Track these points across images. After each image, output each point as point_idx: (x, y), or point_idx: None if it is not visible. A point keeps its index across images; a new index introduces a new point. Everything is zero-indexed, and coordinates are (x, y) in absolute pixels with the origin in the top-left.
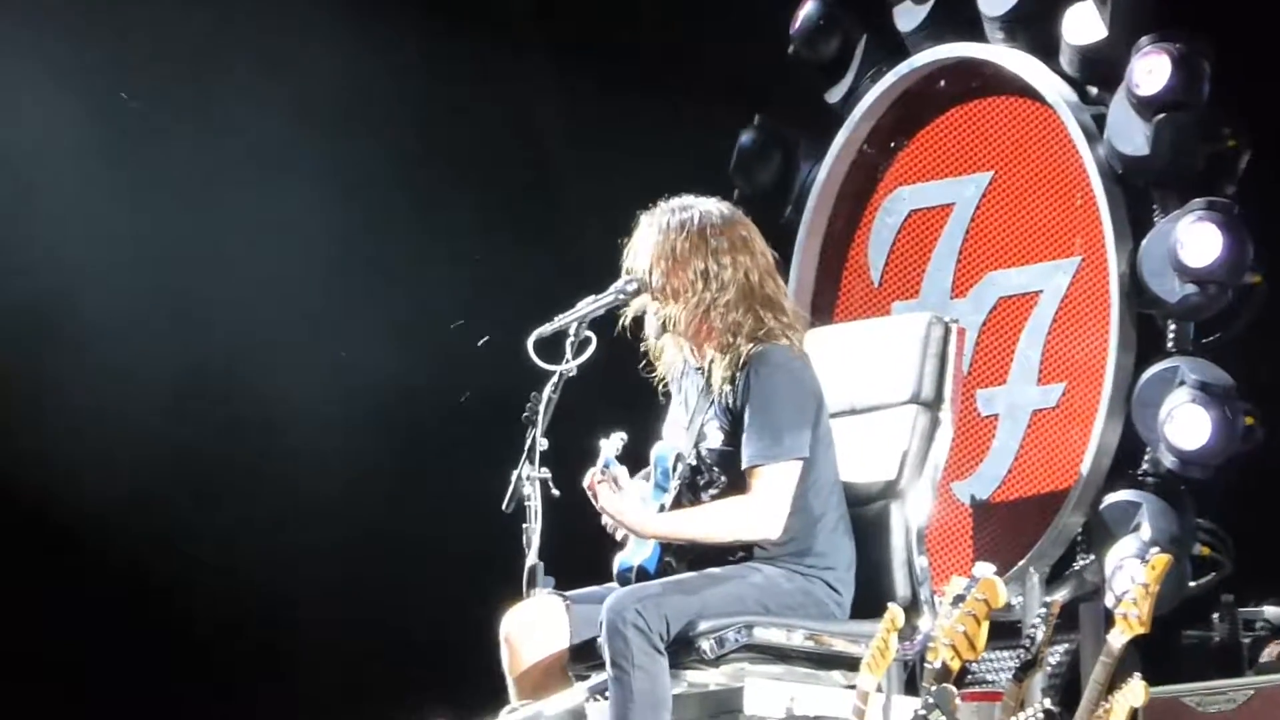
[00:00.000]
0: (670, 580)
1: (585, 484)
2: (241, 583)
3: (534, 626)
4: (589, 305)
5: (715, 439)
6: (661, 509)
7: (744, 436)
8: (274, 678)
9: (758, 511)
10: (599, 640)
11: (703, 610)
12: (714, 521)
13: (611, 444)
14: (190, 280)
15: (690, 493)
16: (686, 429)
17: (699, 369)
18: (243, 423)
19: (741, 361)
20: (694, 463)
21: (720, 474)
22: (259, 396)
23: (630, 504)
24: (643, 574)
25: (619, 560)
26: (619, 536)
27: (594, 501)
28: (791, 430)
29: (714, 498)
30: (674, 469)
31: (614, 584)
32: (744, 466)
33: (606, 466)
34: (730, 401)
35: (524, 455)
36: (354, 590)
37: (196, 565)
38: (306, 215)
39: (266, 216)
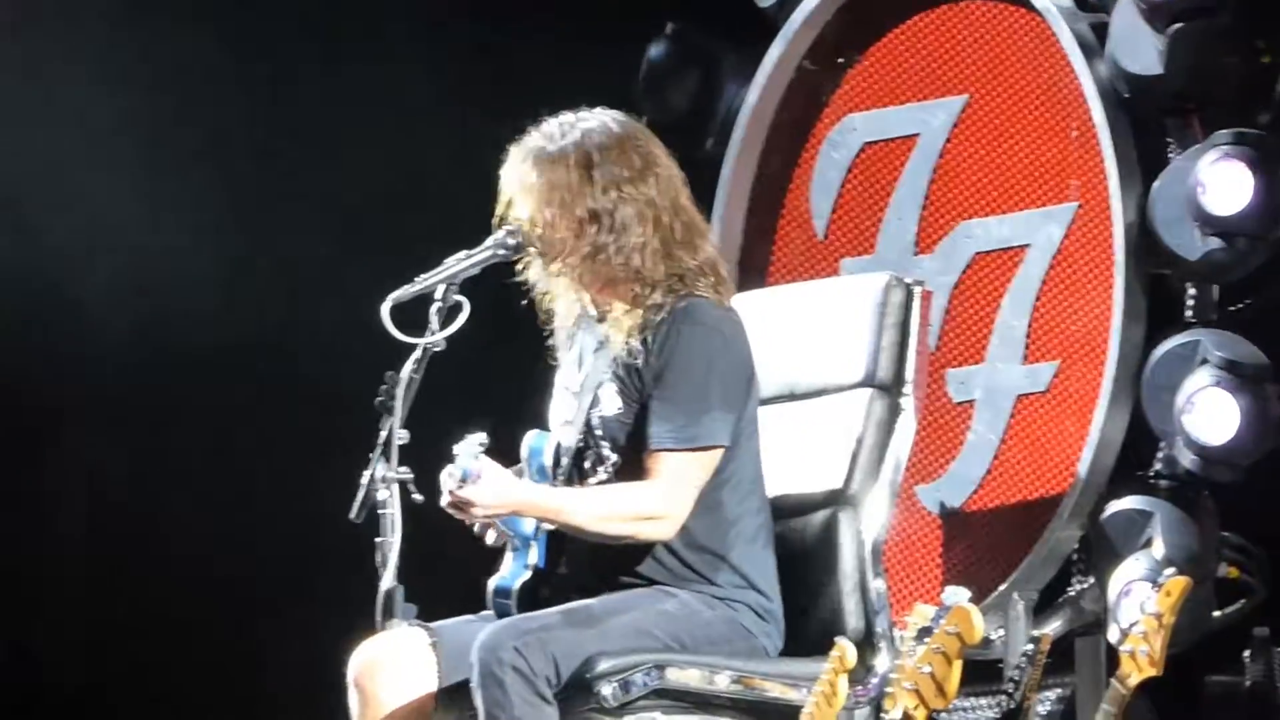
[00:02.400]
0: (559, 610)
1: (443, 503)
2: None
3: (390, 666)
4: (459, 263)
5: (612, 405)
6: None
7: (652, 408)
8: None
9: (657, 502)
10: (471, 685)
11: (602, 646)
12: (607, 505)
13: (468, 447)
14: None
15: (573, 484)
16: (577, 394)
17: (599, 319)
18: None
19: (660, 316)
20: (580, 437)
21: (611, 450)
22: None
23: (496, 487)
24: (526, 597)
25: (494, 582)
26: (490, 540)
27: (457, 514)
28: (714, 411)
29: (601, 484)
30: (553, 463)
31: (490, 613)
32: (650, 448)
33: (464, 479)
34: (638, 361)
35: (378, 451)
36: (139, 627)
37: None
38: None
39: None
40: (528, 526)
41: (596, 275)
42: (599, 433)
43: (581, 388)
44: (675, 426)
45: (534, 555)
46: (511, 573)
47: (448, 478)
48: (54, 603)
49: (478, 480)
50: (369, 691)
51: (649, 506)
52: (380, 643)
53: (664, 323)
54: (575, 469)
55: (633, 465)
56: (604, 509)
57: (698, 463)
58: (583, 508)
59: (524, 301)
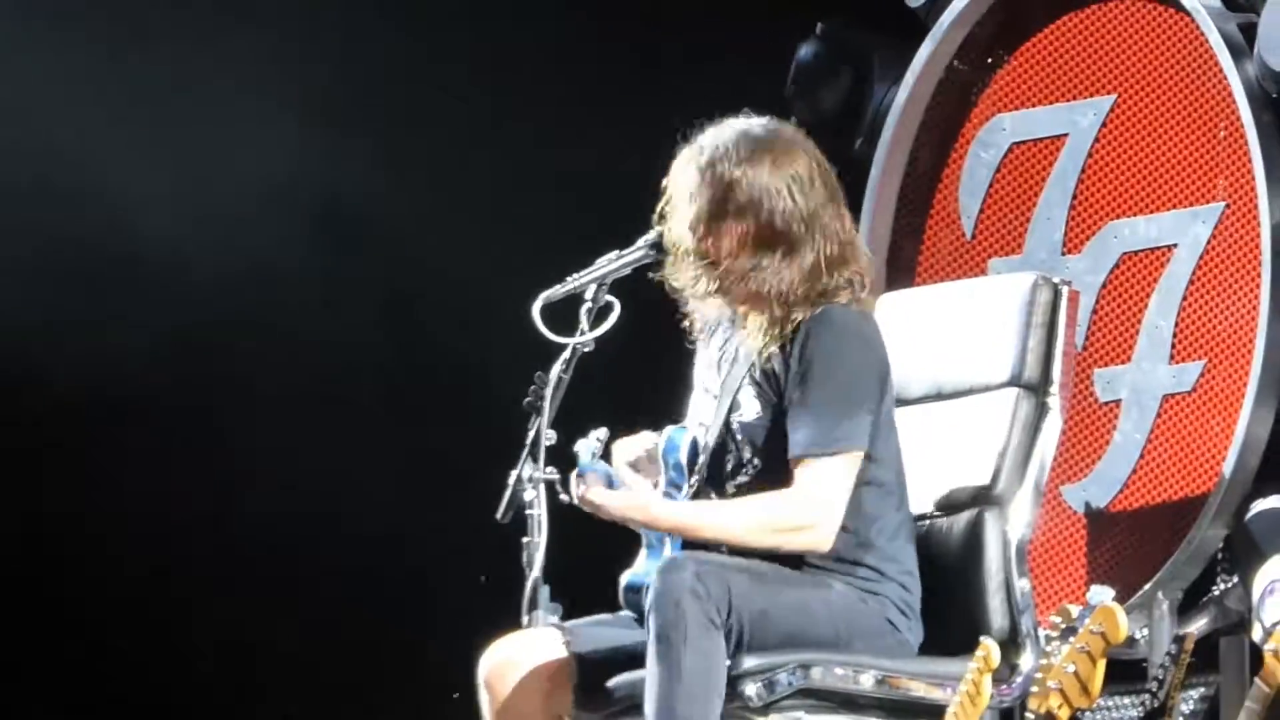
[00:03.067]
0: (738, 558)
1: (575, 497)
2: None
3: (523, 666)
4: (611, 263)
5: (751, 410)
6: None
7: (792, 416)
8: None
9: (810, 513)
10: (645, 608)
11: (770, 606)
12: (748, 517)
13: (587, 445)
14: None
15: (712, 485)
16: (717, 396)
17: (743, 327)
18: None
19: (794, 326)
20: (719, 438)
21: (752, 455)
22: None
23: (625, 493)
24: None
25: (626, 577)
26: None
27: (590, 510)
28: (853, 414)
29: (741, 487)
30: (689, 460)
31: (626, 613)
32: (792, 454)
33: (581, 475)
34: (776, 367)
35: (525, 451)
36: (284, 620)
37: None
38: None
39: None
40: None
41: (745, 289)
42: (739, 437)
43: (721, 390)
44: (819, 433)
45: (668, 550)
46: (645, 569)
47: (575, 479)
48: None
49: (589, 478)
50: (499, 691)
51: (798, 516)
52: (513, 643)
53: (799, 328)
54: (714, 470)
55: (774, 471)
56: (750, 521)
57: (843, 467)
58: (724, 521)
59: (676, 312)
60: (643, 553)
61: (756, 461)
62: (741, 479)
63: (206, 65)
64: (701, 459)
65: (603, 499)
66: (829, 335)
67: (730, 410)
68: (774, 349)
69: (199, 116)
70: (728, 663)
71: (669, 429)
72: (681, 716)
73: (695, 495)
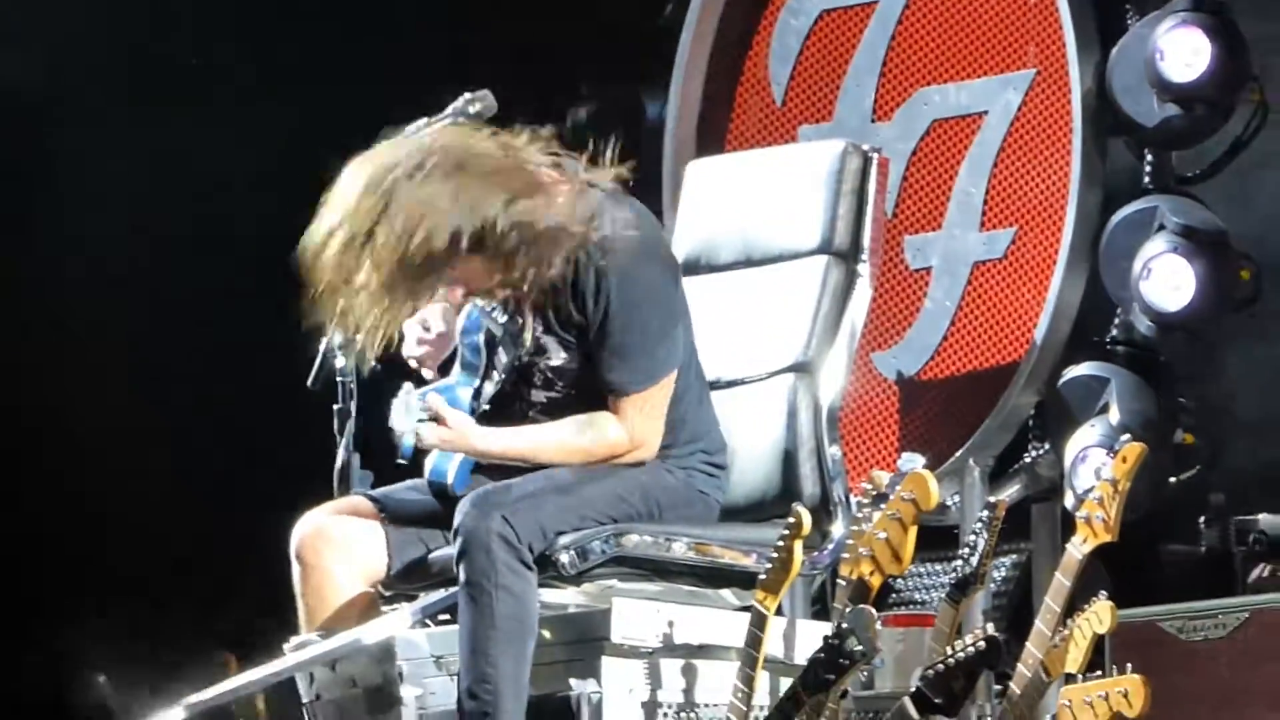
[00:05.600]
0: (542, 476)
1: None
2: None
3: (333, 536)
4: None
5: (559, 356)
6: (477, 395)
7: (604, 358)
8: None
9: (637, 437)
10: (436, 559)
11: (584, 509)
12: (580, 444)
13: (401, 404)
14: None
15: (523, 386)
16: (491, 348)
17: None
18: None
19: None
20: (507, 384)
21: (568, 388)
22: None
23: (463, 425)
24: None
25: (431, 464)
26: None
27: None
28: (664, 339)
29: (557, 403)
30: (486, 345)
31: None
32: (613, 394)
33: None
34: (571, 312)
35: (335, 319)
36: (96, 492)
37: None
38: None
39: None
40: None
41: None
42: (550, 376)
43: (504, 337)
44: (637, 371)
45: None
46: (437, 460)
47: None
48: None
49: (437, 405)
50: (311, 562)
51: (627, 443)
52: (323, 514)
53: (579, 266)
54: (522, 381)
55: (588, 398)
56: (577, 451)
57: (663, 391)
58: (554, 449)
59: None
60: None
61: (572, 393)
62: (554, 394)
63: None
64: (507, 353)
65: (443, 436)
66: (619, 273)
67: (534, 353)
68: (565, 301)
69: None
70: (539, 601)
71: (467, 306)
72: (495, 657)
73: (503, 395)
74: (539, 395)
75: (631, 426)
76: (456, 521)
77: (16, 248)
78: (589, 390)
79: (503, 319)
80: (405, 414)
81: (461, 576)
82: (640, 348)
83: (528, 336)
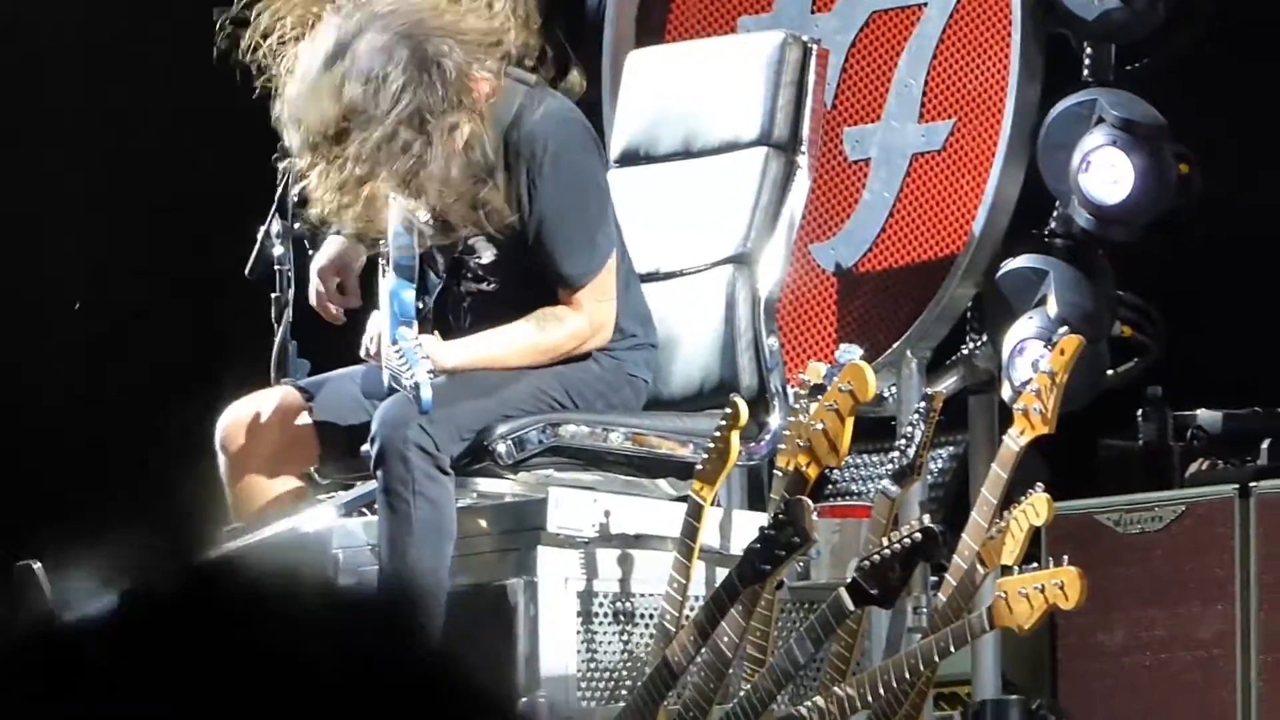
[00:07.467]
0: (458, 381)
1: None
2: None
3: (256, 427)
4: None
5: (488, 254)
6: (420, 295)
7: (549, 252)
8: None
9: (594, 323)
10: (366, 453)
11: (504, 412)
12: (548, 340)
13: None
14: None
15: (452, 282)
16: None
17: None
18: None
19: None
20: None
21: (498, 283)
22: None
23: (432, 347)
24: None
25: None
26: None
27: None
28: (603, 223)
29: (487, 296)
30: (419, 291)
31: (361, 368)
32: (570, 285)
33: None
34: (505, 212)
35: (274, 206)
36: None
37: None
38: None
39: None
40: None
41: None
42: (481, 274)
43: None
44: (583, 261)
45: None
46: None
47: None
48: None
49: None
50: (236, 452)
51: (586, 330)
52: (250, 403)
53: (516, 169)
54: (454, 303)
55: (532, 293)
56: (546, 349)
57: (608, 273)
58: (521, 350)
59: None
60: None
61: (509, 291)
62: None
63: None
64: (439, 261)
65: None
66: (549, 156)
67: (463, 253)
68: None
69: None
70: (456, 505)
71: (396, 209)
72: (413, 560)
73: (444, 306)
74: (469, 287)
75: (590, 314)
76: (373, 429)
77: None
78: (516, 282)
79: (425, 216)
80: (409, 363)
81: (380, 484)
82: (584, 236)
83: (457, 235)
